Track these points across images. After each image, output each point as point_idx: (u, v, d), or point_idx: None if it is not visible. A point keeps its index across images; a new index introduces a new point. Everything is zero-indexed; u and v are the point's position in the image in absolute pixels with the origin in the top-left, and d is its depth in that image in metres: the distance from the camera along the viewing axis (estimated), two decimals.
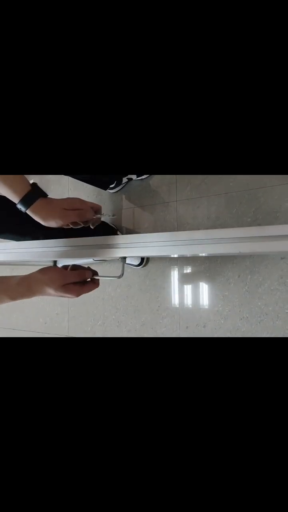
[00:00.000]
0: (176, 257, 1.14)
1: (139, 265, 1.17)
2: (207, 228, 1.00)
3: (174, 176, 1.14)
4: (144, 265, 1.18)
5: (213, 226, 1.06)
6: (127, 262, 1.18)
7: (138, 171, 0.44)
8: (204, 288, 1.08)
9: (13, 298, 0.51)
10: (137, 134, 0.41)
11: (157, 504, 0.35)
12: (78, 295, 0.53)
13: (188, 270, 1.11)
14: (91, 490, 0.36)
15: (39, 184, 0.53)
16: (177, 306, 1.13)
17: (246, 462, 0.35)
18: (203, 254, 0.98)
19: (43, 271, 0.52)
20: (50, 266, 0.56)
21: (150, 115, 0.40)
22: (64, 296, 0.51)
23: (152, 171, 0.45)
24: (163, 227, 1.15)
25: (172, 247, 0.47)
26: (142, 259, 1.16)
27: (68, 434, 0.38)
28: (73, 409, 0.39)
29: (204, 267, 1.07)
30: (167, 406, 0.38)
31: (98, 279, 0.58)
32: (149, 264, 1.19)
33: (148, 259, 1.18)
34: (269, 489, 0.34)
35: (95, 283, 0.57)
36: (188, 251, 0.47)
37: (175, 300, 1.14)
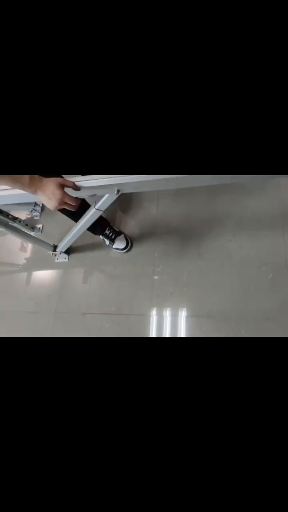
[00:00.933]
0: (154, 244, 1.46)
1: (124, 249, 1.47)
2: (181, 221, 1.37)
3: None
4: (128, 250, 1.49)
5: (187, 218, 1.42)
6: (113, 247, 1.49)
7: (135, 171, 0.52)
8: (173, 265, 1.39)
9: (30, 181, 0.74)
10: (135, 136, 0.42)
11: (156, 500, 0.34)
12: (63, 197, 0.76)
13: (162, 252, 1.43)
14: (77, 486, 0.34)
15: None
16: (152, 279, 1.41)
17: (228, 452, 0.35)
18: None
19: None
20: None
21: (149, 115, 0.41)
22: (55, 194, 0.75)
23: (151, 171, 0.51)
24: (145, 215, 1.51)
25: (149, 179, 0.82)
26: (127, 243, 1.47)
27: (58, 428, 0.39)
28: (69, 406, 0.40)
29: (174, 249, 1.40)
30: (153, 397, 0.40)
31: (77, 201, 0.81)
32: (133, 249, 1.50)
33: (132, 244, 1.50)
34: (261, 486, 0.33)
35: (75, 201, 0.80)
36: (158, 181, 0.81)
37: (151, 275, 1.42)
